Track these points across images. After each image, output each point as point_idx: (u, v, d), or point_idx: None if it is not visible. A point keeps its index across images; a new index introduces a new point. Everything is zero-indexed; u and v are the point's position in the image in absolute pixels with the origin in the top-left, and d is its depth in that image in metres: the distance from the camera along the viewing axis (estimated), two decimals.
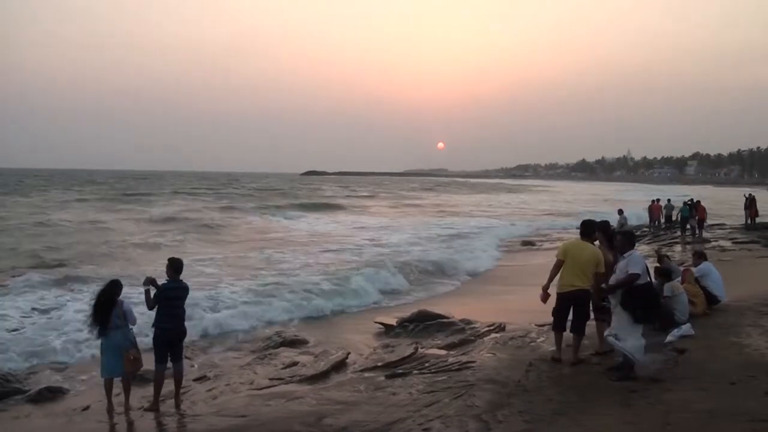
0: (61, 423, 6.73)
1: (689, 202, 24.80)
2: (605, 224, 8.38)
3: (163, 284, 6.90)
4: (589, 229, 7.53)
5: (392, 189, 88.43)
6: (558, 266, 7.31)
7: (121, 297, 7.00)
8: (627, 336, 6.45)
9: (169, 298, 6.85)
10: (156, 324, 6.89)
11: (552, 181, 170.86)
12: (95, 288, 8.43)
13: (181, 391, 7.13)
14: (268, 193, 66.36)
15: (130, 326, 6.97)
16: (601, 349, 7.60)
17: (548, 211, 44.60)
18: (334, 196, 65.46)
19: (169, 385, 7.04)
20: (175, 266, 6.97)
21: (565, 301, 7.30)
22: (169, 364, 7.00)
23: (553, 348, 7.61)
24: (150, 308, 6.84)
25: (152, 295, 6.81)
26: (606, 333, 6.94)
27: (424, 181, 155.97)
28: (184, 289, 6.98)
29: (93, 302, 6.98)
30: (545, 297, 7.42)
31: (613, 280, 6.62)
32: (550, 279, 7.38)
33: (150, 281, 6.81)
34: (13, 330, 10.18)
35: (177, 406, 6.90)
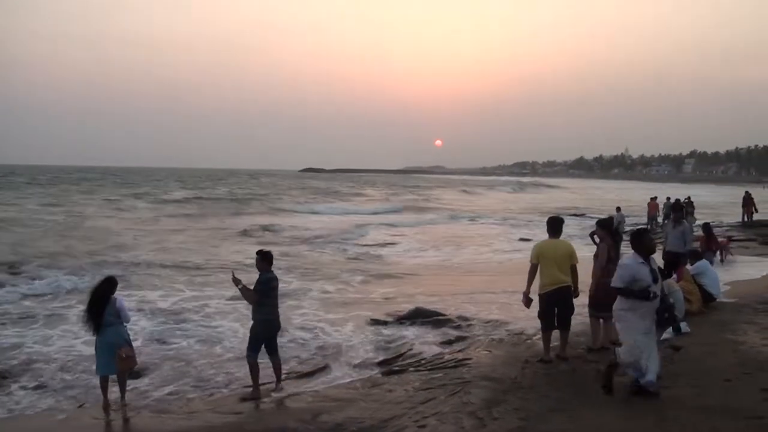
0: (57, 420, 6.71)
1: (686, 201, 24.86)
2: (608, 221, 8.42)
3: (263, 276, 7.16)
4: (557, 225, 7.54)
5: (426, 190, 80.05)
6: (534, 270, 7.29)
7: (115, 294, 6.98)
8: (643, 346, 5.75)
9: (273, 288, 7.19)
10: (261, 315, 7.14)
11: (558, 179, 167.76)
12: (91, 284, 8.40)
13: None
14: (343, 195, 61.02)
15: (124, 324, 6.95)
16: (595, 345, 7.65)
17: (596, 209, 41.18)
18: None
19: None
20: (268, 258, 7.23)
21: (551, 301, 7.28)
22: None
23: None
24: (254, 302, 7.13)
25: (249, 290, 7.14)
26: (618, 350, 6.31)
27: (440, 179, 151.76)
28: (277, 280, 7.33)
29: (87, 299, 6.96)
30: (528, 301, 7.44)
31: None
32: (529, 283, 7.38)
33: (238, 280, 7.12)
34: None
35: (276, 391, 7.18)
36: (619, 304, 5.86)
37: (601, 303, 7.65)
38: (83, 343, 8.99)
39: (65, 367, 8.40)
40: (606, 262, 7.61)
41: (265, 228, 27.62)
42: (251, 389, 7.13)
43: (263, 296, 7.09)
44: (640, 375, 5.77)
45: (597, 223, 8.47)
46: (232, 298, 11.74)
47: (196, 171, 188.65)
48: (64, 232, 24.06)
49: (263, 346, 7.22)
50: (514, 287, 13.54)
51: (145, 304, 11.91)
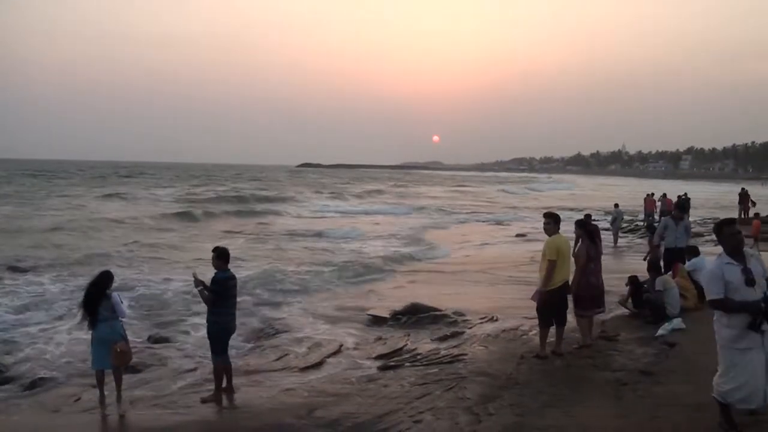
0: (52, 414, 6.72)
1: (683, 197, 24.92)
2: (583, 221, 8.27)
3: (219, 275, 6.78)
4: (559, 220, 7.52)
5: (449, 185, 79.63)
6: (554, 267, 7.14)
7: (111, 289, 6.96)
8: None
9: (231, 287, 6.82)
10: (216, 316, 6.77)
11: (557, 176, 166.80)
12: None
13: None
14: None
15: (120, 319, 6.94)
16: (585, 343, 7.67)
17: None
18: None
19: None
20: (225, 256, 6.87)
21: (557, 297, 7.26)
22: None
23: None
24: (212, 304, 6.73)
25: (208, 291, 6.76)
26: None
27: (446, 176, 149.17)
28: (235, 278, 6.95)
29: (83, 293, 6.95)
30: (543, 300, 7.25)
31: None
32: (549, 280, 7.17)
33: (200, 282, 6.76)
34: None
35: (231, 397, 6.87)
36: (714, 315, 4.94)
37: (584, 302, 7.66)
38: (79, 338, 8.99)
39: (61, 361, 8.41)
40: (586, 261, 7.60)
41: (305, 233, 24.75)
42: (213, 392, 6.88)
43: (220, 297, 6.73)
44: (762, 405, 4.65)
45: (576, 222, 8.30)
46: None
47: (192, 167, 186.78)
48: (64, 229, 23.97)
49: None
50: (511, 284, 13.60)
51: (143, 301, 11.91)
